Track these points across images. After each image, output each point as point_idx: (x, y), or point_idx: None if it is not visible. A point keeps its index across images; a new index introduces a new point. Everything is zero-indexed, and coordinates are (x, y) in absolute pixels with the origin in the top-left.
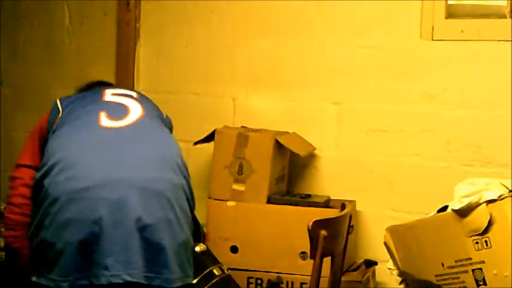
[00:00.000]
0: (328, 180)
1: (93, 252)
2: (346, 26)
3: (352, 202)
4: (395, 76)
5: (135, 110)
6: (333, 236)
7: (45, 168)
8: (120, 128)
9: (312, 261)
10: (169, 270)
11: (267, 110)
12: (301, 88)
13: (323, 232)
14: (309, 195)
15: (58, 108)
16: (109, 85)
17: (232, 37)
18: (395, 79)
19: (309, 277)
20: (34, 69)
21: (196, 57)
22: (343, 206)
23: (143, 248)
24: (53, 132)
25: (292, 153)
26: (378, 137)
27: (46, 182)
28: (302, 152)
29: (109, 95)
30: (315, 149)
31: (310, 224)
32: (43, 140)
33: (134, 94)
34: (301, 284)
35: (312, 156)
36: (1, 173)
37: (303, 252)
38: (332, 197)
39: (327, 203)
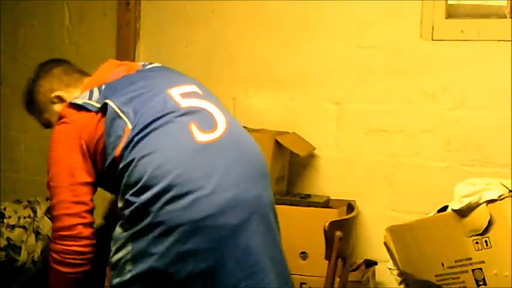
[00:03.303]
0: (328, 180)
1: (214, 283)
2: (346, 26)
3: (352, 202)
4: (395, 76)
5: (217, 114)
6: (346, 237)
7: (151, 193)
8: (216, 140)
9: (313, 261)
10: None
11: (267, 110)
12: (301, 88)
13: (338, 233)
14: (309, 195)
15: (120, 117)
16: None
17: (232, 37)
18: (395, 79)
19: (309, 277)
20: (34, 69)
21: (196, 57)
22: (350, 207)
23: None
24: (129, 148)
25: (292, 153)
26: (378, 137)
27: (154, 208)
28: (302, 152)
29: (178, 97)
30: (314, 149)
31: (327, 224)
32: (93, 152)
33: (196, 89)
34: (301, 284)
35: (311, 156)
36: (1, 173)
37: (303, 252)
38: (332, 197)
39: (326, 203)
